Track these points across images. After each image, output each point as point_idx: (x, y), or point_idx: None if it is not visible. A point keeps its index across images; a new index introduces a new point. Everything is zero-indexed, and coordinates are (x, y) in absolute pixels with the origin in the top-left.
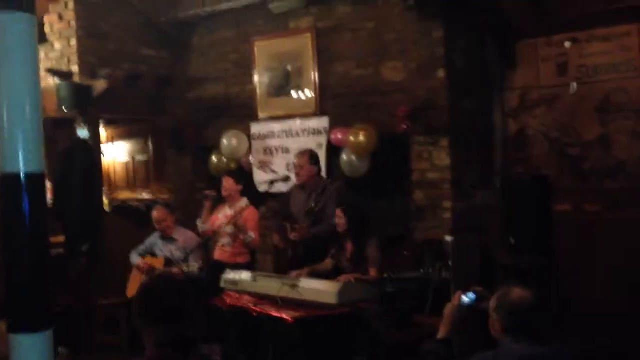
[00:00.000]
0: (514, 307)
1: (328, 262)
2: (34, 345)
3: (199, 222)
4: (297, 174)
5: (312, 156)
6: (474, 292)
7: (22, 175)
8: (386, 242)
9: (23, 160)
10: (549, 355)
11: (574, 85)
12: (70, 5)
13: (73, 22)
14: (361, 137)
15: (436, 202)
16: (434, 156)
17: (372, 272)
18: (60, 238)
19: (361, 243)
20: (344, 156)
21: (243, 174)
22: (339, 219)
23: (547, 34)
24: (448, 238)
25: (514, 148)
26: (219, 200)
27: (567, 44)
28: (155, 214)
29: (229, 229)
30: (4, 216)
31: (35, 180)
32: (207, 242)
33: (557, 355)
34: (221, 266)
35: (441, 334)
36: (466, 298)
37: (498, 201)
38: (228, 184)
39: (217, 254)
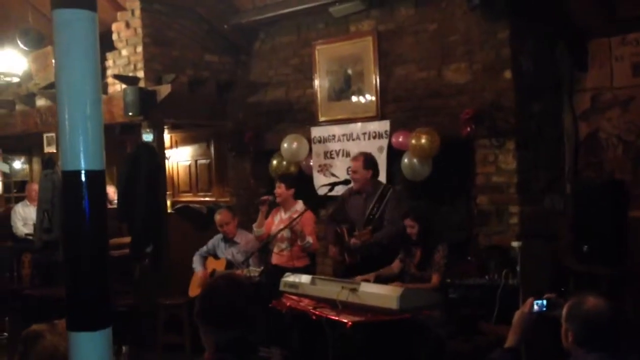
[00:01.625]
0: (589, 318)
1: (395, 266)
2: (93, 343)
3: (254, 227)
4: (353, 179)
5: (366, 159)
6: (547, 299)
7: (83, 172)
8: (450, 248)
9: (84, 158)
10: None
11: None
12: (137, 13)
13: (139, 30)
14: (423, 141)
15: (502, 207)
16: (499, 160)
17: (435, 278)
18: (126, 239)
19: (429, 249)
20: (405, 160)
21: (302, 178)
22: (412, 228)
23: (621, 33)
24: (515, 244)
25: (586, 152)
26: (275, 204)
27: None
28: (218, 217)
29: (286, 233)
30: (65, 214)
31: (96, 178)
32: (266, 245)
33: None
34: (279, 270)
35: (509, 342)
36: (537, 305)
37: (568, 207)
38: (280, 189)
39: (275, 259)
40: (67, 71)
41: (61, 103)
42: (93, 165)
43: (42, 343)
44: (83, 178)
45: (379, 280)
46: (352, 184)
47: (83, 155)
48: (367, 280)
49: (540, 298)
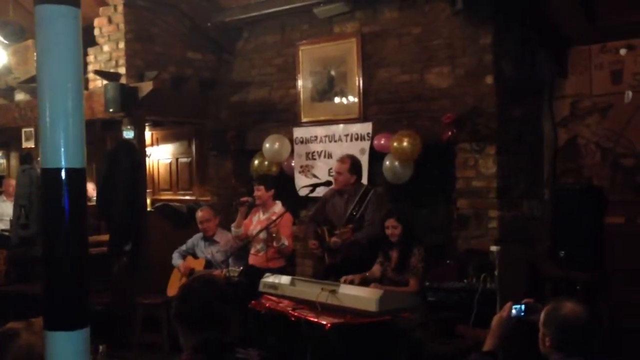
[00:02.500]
0: (566, 323)
1: (376, 270)
2: (70, 343)
3: (233, 227)
4: (335, 180)
5: (352, 164)
6: (525, 304)
7: (63, 170)
8: (428, 251)
9: (65, 156)
10: None
11: (629, 94)
12: (120, 9)
13: (122, 26)
14: (405, 144)
15: (481, 211)
16: (480, 164)
17: (412, 282)
18: (104, 237)
19: (407, 253)
20: (387, 162)
21: (283, 178)
22: (394, 228)
23: (601, 41)
24: (494, 248)
25: (564, 158)
26: (255, 205)
27: (622, 51)
28: (200, 213)
29: (262, 234)
30: (44, 212)
31: (76, 175)
32: (246, 246)
33: None
34: (255, 271)
35: (487, 346)
36: (516, 310)
37: (546, 212)
38: (260, 192)
39: (251, 259)
40: (48, 68)
41: (42, 100)
42: (74, 163)
43: (18, 342)
44: (63, 176)
45: (364, 282)
46: (333, 185)
47: (64, 152)
48: (352, 281)
49: (519, 303)
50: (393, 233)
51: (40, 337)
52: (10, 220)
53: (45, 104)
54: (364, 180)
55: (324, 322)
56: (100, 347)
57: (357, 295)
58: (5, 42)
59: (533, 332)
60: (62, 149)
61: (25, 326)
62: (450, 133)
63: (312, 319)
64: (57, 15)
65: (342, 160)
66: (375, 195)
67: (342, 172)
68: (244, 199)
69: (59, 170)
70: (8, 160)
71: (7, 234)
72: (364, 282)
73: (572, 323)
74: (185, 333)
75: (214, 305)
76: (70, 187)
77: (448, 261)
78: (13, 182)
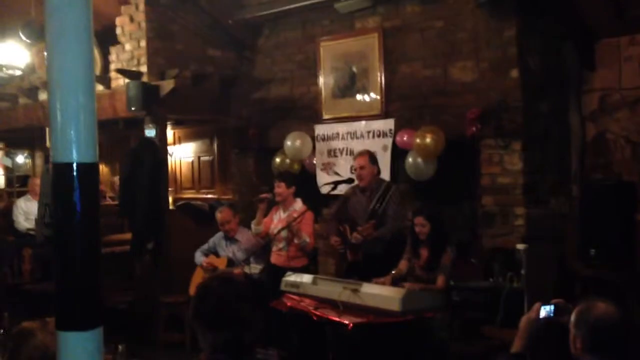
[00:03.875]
0: (598, 324)
1: (403, 266)
2: (83, 344)
3: (253, 225)
4: (358, 176)
5: (371, 156)
6: (555, 304)
7: (75, 165)
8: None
9: (76, 150)
10: None
11: None
12: (141, 7)
13: (143, 24)
14: (428, 140)
15: (507, 208)
16: (505, 160)
17: (440, 280)
18: (127, 236)
19: (437, 251)
20: (409, 159)
21: (305, 176)
22: (422, 227)
23: (630, 33)
24: (520, 246)
25: (593, 153)
26: (275, 203)
27: None
28: (219, 215)
29: (284, 233)
30: (56, 208)
31: (88, 170)
32: (268, 244)
33: None
34: (277, 270)
35: (515, 347)
36: (545, 310)
37: (574, 209)
38: (280, 188)
39: (274, 258)
40: (58, 59)
41: (52, 92)
42: (85, 158)
43: (33, 342)
44: (75, 171)
45: (394, 281)
46: (355, 183)
47: (75, 147)
48: (384, 283)
49: (548, 303)
50: (421, 231)
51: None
52: (36, 219)
53: (55, 96)
54: (386, 177)
55: (347, 322)
56: (120, 347)
57: (380, 294)
58: (28, 41)
59: (563, 333)
60: (74, 143)
61: (40, 325)
62: (474, 129)
63: (334, 318)
64: (66, 4)
65: (360, 154)
66: (397, 191)
67: (365, 165)
68: (264, 195)
69: (71, 165)
70: (33, 159)
71: (33, 232)
72: (393, 282)
73: (605, 324)
74: (203, 332)
75: (232, 304)
76: (81, 183)
77: (473, 260)
78: (38, 181)
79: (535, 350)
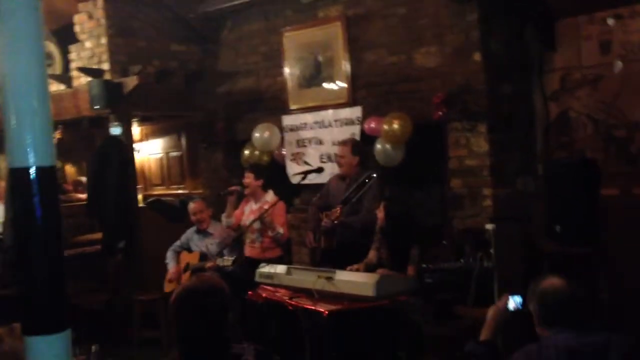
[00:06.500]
0: (546, 297)
1: (372, 256)
2: (49, 347)
3: (223, 217)
4: (338, 164)
5: (354, 145)
6: (522, 295)
7: (32, 169)
8: (425, 232)
9: (33, 154)
10: (600, 344)
11: (619, 63)
12: (100, 3)
13: (103, 21)
14: (395, 126)
15: (475, 190)
16: (472, 143)
17: (411, 270)
18: (97, 235)
19: (401, 241)
20: (378, 146)
21: (275, 167)
22: (379, 212)
23: (589, 12)
24: (489, 226)
25: (557, 132)
26: (244, 195)
27: (610, 21)
28: (192, 205)
29: (256, 225)
30: (15, 213)
31: (47, 174)
32: (240, 236)
33: (613, 344)
34: (252, 262)
35: (484, 336)
36: (513, 302)
37: (541, 188)
38: (249, 179)
39: (248, 251)
40: (11, 63)
41: (5, 97)
42: (43, 162)
43: (2, 347)
44: (33, 175)
45: (367, 269)
46: (327, 173)
47: (31, 150)
48: (357, 270)
49: (516, 293)
50: (379, 217)
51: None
52: (3, 223)
53: (8, 102)
54: None
55: (322, 310)
56: (93, 347)
57: (354, 280)
58: None
59: (531, 322)
60: (30, 147)
61: (7, 331)
62: (440, 113)
63: (309, 307)
64: (17, 8)
65: (343, 142)
66: (376, 183)
67: (344, 154)
68: (232, 188)
69: (28, 169)
70: None
71: (0, 236)
72: (367, 269)
73: (552, 296)
74: (180, 331)
75: (211, 305)
76: (40, 186)
77: (444, 242)
78: (3, 184)
79: (504, 338)
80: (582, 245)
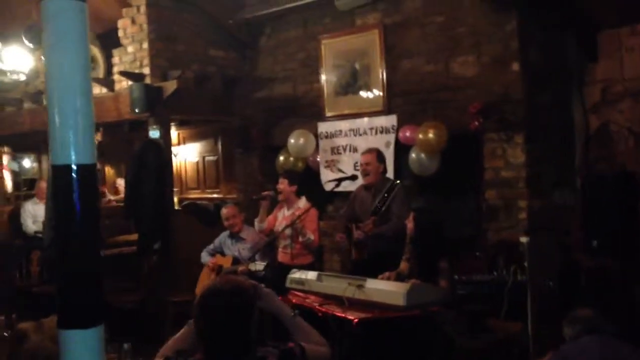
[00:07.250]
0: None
1: (404, 267)
2: (84, 341)
3: (256, 222)
4: (363, 172)
5: (379, 154)
6: None
7: (73, 167)
8: (459, 243)
9: (74, 152)
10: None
11: None
12: (143, 9)
13: (145, 26)
14: (431, 135)
15: (510, 201)
16: (508, 154)
17: (443, 283)
18: (133, 236)
19: (430, 253)
20: (413, 155)
21: (309, 174)
22: (409, 222)
23: (631, 23)
24: (524, 239)
25: (596, 145)
26: (277, 201)
27: None
28: (225, 210)
29: (288, 231)
30: (56, 209)
31: (87, 172)
32: (273, 241)
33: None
34: (283, 268)
35: None
36: None
37: (578, 201)
38: (283, 185)
39: (280, 257)
40: (56, 63)
41: (50, 96)
42: (84, 159)
43: (27, 343)
44: (74, 172)
45: (399, 278)
46: (361, 180)
47: (73, 149)
48: (389, 278)
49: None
50: (409, 227)
51: (48, 337)
52: (43, 222)
53: (53, 100)
54: (390, 174)
55: (352, 318)
56: (125, 345)
57: (385, 289)
58: (31, 46)
59: None
60: (72, 145)
61: (34, 327)
62: (477, 123)
63: (339, 314)
64: (64, 10)
65: (369, 150)
66: (402, 190)
67: (371, 161)
68: (265, 192)
69: (69, 166)
70: (40, 163)
71: (41, 235)
72: (399, 279)
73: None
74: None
75: (237, 307)
76: (81, 184)
77: (478, 254)
78: (44, 184)
79: None
80: (619, 260)
